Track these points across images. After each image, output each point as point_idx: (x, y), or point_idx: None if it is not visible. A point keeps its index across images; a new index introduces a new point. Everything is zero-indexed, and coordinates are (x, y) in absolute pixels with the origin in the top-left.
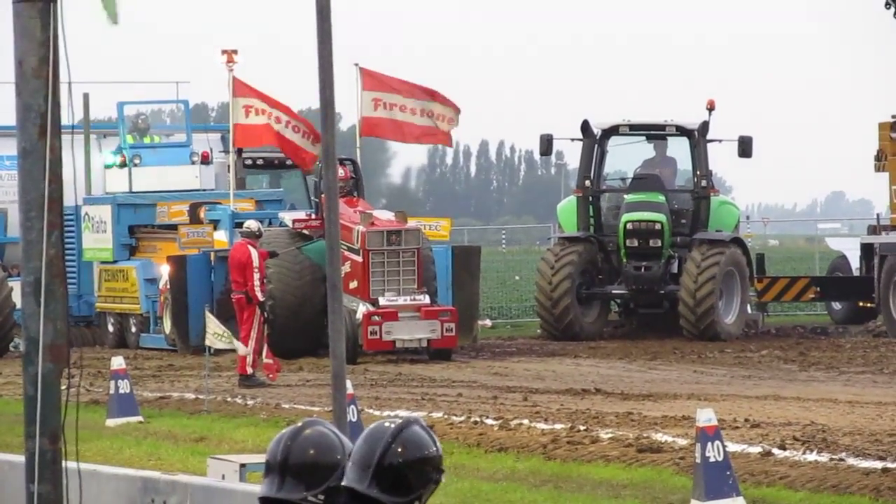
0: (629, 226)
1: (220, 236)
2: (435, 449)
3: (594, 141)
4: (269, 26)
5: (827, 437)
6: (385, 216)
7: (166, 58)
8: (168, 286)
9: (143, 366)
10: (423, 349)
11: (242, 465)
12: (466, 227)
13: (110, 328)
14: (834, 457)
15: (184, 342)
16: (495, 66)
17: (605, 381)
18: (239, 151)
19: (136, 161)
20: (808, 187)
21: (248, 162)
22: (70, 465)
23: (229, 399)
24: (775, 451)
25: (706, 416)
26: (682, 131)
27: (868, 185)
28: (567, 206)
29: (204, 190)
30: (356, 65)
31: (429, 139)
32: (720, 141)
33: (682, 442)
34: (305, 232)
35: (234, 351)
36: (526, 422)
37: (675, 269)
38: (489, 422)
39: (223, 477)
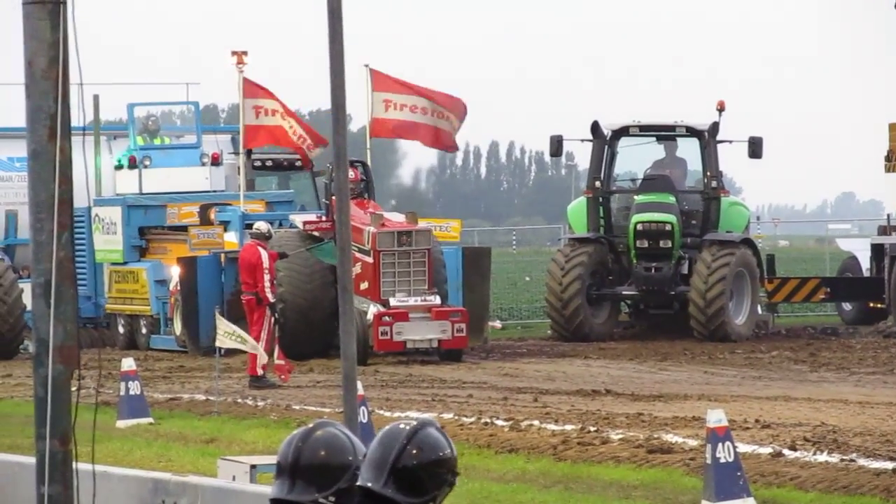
0: (639, 227)
1: (231, 237)
2: (450, 451)
3: (604, 142)
4: (279, 28)
5: (837, 437)
6: (396, 218)
7: (176, 59)
8: (178, 287)
9: (153, 367)
10: (433, 350)
11: (253, 467)
12: (476, 229)
13: (121, 329)
14: (844, 457)
15: (194, 343)
16: (506, 67)
17: (615, 381)
18: (248, 153)
19: (147, 162)
20: (818, 188)
21: (257, 163)
22: (83, 466)
23: (240, 400)
24: (786, 451)
25: (717, 417)
26: (692, 132)
27: (878, 186)
28: (577, 207)
29: (214, 191)
30: (366, 66)
31: (438, 144)
32: (730, 142)
33: (693, 443)
34: (316, 234)
35: (244, 351)
36: (536, 423)
37: (685, 269)
38: (499, 423)
39: (234, 478)
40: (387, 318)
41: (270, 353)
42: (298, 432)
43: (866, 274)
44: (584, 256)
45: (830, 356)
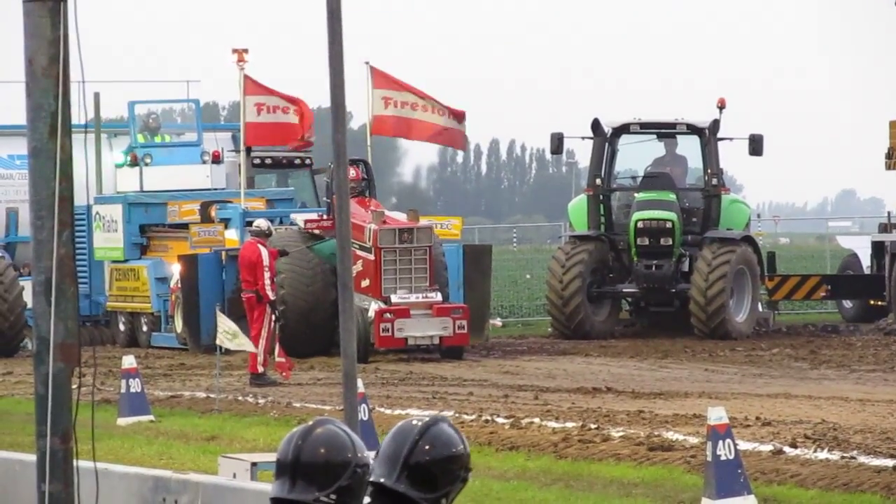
0: (640, 224)
1: (232, 235)
2: (462, 447)
3: (605, 139)
4: (279, 25)
5: (838, 435)
6: (397, 216)
7: (177, 57)
8: (179, 285)
9: (154, 365)
10: (434, 347)
11: (254, 464)
12: (477, 226)
13: (121, 327)
14: (845, 455)
15: (195, 341)
16: (506, 65)
17: (616, 379)
18: (248, 150)
19: (147, 160)
20: (818, 185)
21: (257, 161)
22: (84, 464)
23: (240, 398)
24: (786, 449)
25: (717, 415)
26: (692, 130)
27: (879, 184)
28: (578, 205)
29: (215, 189)
30: (367, 63)
31: (441, 140)
32: (731, 139)
33: (693, 440)
34: (317, 232)
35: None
36: (537, 420)
37: (685, 267)
38: (500, 420)
39: (234, 476)
40: (388, 314)
41: (271, 351)
42: (298, 430)
43: (867, 271)
44: (585, 254)
45: (831, 354)
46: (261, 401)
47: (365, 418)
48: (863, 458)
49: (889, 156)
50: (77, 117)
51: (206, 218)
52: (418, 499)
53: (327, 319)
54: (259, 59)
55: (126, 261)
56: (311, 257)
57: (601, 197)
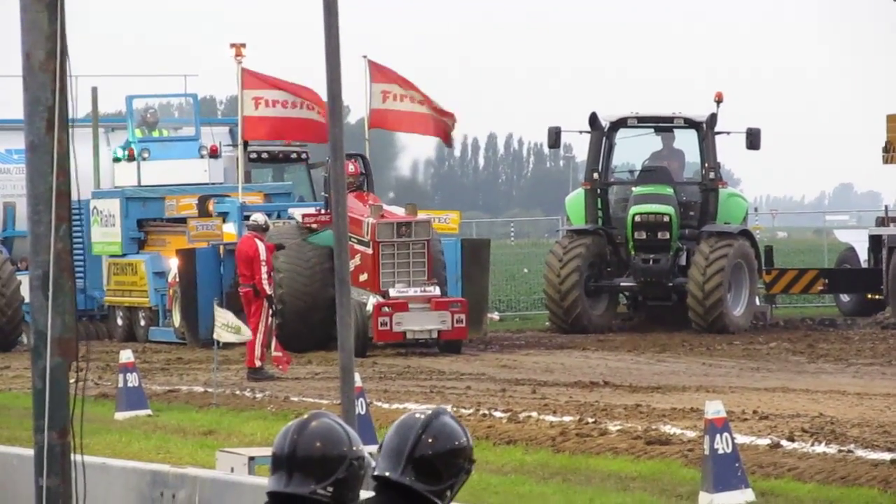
0: (637, 218)
1: (230, 229)
2: (465, 439)
3: (602, 133)
4: (277, 19)
5: (836, 428)
6: (396, 211)
7: (173, 51)
8: (177, 279)
9: (151, 359)
10: (433, 340)
11: (251, 458)
12: (475, 221)
13: (119, 322)
14: (843, 448)
15: (193, 335)
16: (503, 59)
17: (613, 373)
18: (244, 145)
19: (145, 155)
20: (816, 179)
21: (253, 155)
22: (85, 458)
23: (238, 392)
24: (784, 442)
25: (715, 409)
26: (690, 123)
27: (876, 178)
28: (575, 199)
29: (213, 183)
30: (364, 57)
31: (437, 132)
32: (728, 133)
33: (691, 434)
34: (314, 227)
35: (242, 344)
36: (534, 414)
37: (683, 261)
38: (498, 414)
39: (232, 470)
40: (386, 308)
41: (268, 346)
42: (293, 424)
43: (864, 265)
44: (583, 248)
45: (828, 347)
46: (258, 395)
47: (362, 412)
48: (860, 452)
49: (886, 150)
50: (71, 112)
51: (203, 212)
52: (424, 491)
53: (327, 317)
54: (256, 53)
55: (124, 255)
56: (310, 255)
57: (598, 191)
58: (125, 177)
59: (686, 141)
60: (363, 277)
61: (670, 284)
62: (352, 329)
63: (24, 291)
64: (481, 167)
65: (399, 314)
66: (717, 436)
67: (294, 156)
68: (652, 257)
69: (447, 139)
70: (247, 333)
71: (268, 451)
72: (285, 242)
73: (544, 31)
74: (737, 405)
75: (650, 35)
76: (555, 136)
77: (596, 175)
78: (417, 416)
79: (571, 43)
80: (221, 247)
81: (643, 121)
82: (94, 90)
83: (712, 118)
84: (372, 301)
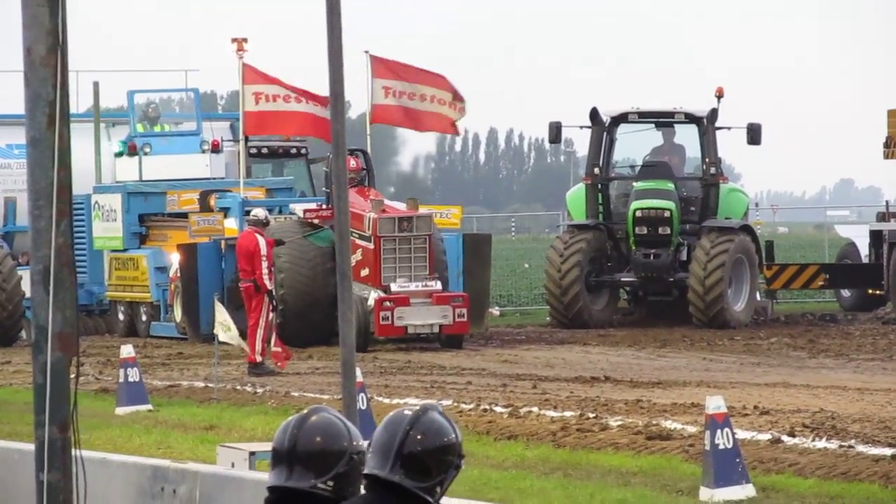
0: (638, 213)
1: (231, 224)
2: (454, 435)
3: (603, 128)
4: (278, 14)
5: (836, 424)
6: (397, 206)
7: (175, 46)
8: (178, 274)
9: (152, 354)
10: (434, 335)
11: (252, 453)
12: (476, 216)
13: (121, 317)
14: (843, 444)
15: (194, 330)
16: (504, 54)
17: (614, 368)
18: (246, 140)
19: (147, 150)
20: (817, 175)
21: (252, 150)
22: (85, 453)
23: (239, 387)
24: (785, 438)
25: (715, 404)
26: (691, 119)
27: (877, 173)
28: (576, 194)
29: (214, 178)
30: (366, 52)
31: (438, 128)
32: (729, 128)
33: (692, 429)
34: (316, 222)
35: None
36: (535, 409)
37: (684, 256)
38: (498, 409)
39: (233, 465)
40: (388, 303)
41: (268, 341)
42: (293, 419)
43: (865, 260)
44: (583, 243)
45: (829, 343)
46: (259, 390)
47: (363, 407)
48: (861, 447)
49: (887, 145)
50: (72, 106)
51: (205, 207)
52: (413, 488)
53: (328, 316)
54: (258, 48)
55: (125, 250)
56: (311, 252)
57: (599, 186)
58: (127, 171)
59: (687, 136)
60: (365, 272)
61: (671, 280)
62: (353, 324)
63: (25, 286)
64: (482, 162)
65: (400, 309)
66: (718, 431)
67: (293, 151)
68: (653, 252)
69: (453, 129)
70: (236, 338)
71: (268, 446)
72: (286, 238)
73: (545, 25)
74: (737, 400)
75: (652, 30)
76: (556, 131)
77: (597, 170)
78: (406, 412)
79: (573, 38)
80: (223, 242)
81: (644, 116)
82: (96, 85)
83: (713, 113)
84: (373, 296)
